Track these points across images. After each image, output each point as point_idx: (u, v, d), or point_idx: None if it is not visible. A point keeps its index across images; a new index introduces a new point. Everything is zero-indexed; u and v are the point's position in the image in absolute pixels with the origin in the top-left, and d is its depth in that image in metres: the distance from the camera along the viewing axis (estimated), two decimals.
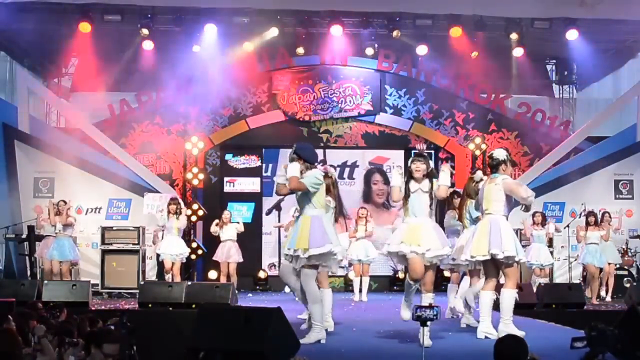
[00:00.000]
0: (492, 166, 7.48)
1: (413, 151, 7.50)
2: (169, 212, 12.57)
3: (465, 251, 7.63)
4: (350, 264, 13.17)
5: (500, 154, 7.51)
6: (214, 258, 13.28)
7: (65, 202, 12.83)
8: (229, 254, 12.99)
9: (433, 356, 6.19)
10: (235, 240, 13.12)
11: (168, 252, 12.47)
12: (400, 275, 15.01)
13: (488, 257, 7.32)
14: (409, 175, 7.21)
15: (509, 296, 7.34)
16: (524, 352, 4.27)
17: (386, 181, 15.75)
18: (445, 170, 7.35)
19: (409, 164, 7.28)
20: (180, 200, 13.29)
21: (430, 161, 7.32)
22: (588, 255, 12.75)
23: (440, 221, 8.69)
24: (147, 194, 14.15)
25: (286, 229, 11.73)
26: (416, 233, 7.08)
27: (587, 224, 12.88)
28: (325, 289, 7.77)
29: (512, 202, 7.45)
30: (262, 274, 15.28)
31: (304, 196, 7.02)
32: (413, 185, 7.17)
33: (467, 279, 9.01)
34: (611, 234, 13.03)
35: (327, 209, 7.74)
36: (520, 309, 10.13)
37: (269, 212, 12.84)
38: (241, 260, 13.17)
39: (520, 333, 6.94)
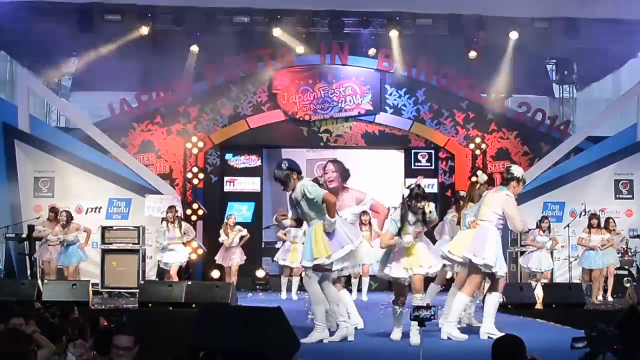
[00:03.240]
0: (505, 179, 7.50)
1: (416, 185, 7.31)
2: (167, 220, 12.54)
3: (443, 248, 7.68)
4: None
5: (517, 171, 7.52)
6: (217, 261, 13.27)
7: (67, 213, 12.79)
8: (231, 257, 13.03)
9: (432, 356, 6.19)
10: (239, 244, 13.19)
11: (169, 261, 12.47)
12: None
13: (460, 260, 7.44)
14: (407, 206, 7.15)
15: (461, 300, 7.41)
16: (522, 352, 4.27)
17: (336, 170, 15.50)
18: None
19: (410, 197, 7.13)
20: (178, 208, 13.20)
21: None
22: (588, 258, 12.71)
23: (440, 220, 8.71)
24: (148, 195, 14.14)
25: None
26: (414, 255, 7.16)
27: (590, 226, 12.82)
28: (340, 290, 7.81)
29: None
30: (261, 274, 15.27)
31: (313, 207, 7.00)
32: (411, 217, 7.18)
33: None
34: (616, 240, 12.98)
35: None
36: (520, 309, 10.17)
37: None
38: (243, 262, 13.22)
39: (462, 337, 7.18)
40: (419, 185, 7.21)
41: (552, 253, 12.91)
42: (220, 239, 13.22)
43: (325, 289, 7.12)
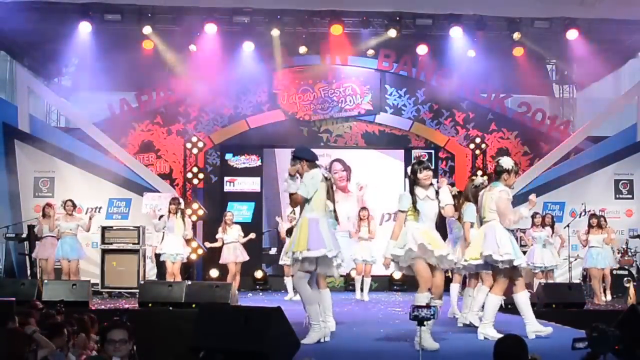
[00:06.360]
0: (496, 172, 7.48)
1: (416, 159, 7.36)
2: (169, 211, 12.54)
3: (460, 256, 7.57)
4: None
5: (506, 162, 7.44)
6: (220, 262, 13.15)
7: (72, 202, 12.79)
8: (235, 254, 12.94)
9: (432, 356, 6.19)
10: (238, 241, 13.10)
11: (169, 252, 12.42)
12: (396, 276, 14.77)
13: (481, 261, 7.33)
14: (413, 182, 7.09)
15: (491, 301, 7.30)
16: (524, 352, 4.27)
17: (345, 169, 15.70)
18: (445, 188, 7.22)
19: (412, 172, 7.08)
20: (181, 200, 13.23)
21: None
22: (590, 258, 12.73)
23: (442, 222, 8.66)
24: (146, 193, 14.18)
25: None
26: (433, 237, 6.97)
27: (590, 226, 12.84)
28: (323, 289, 7.78)
29: None
30: (261, 274, 15.26)
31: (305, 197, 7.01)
32: (420, 192, 7.04)
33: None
34: (612, 237, 13.01)
35: (329, 213, 7.74)
36: None
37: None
38: (247, 258, 13.13)
39: (498, 335, 6.96)
40: (419, 159, 7.21)
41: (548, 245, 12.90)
42: (217, 236, 13.13)
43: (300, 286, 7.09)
